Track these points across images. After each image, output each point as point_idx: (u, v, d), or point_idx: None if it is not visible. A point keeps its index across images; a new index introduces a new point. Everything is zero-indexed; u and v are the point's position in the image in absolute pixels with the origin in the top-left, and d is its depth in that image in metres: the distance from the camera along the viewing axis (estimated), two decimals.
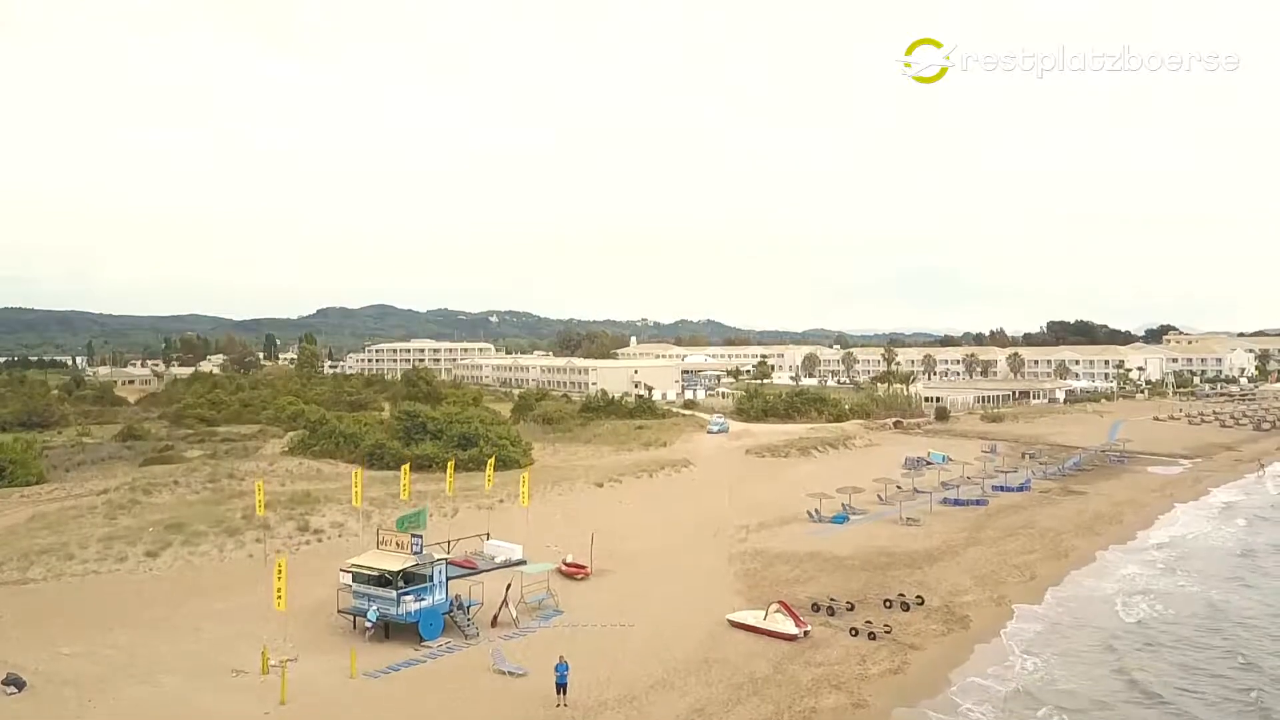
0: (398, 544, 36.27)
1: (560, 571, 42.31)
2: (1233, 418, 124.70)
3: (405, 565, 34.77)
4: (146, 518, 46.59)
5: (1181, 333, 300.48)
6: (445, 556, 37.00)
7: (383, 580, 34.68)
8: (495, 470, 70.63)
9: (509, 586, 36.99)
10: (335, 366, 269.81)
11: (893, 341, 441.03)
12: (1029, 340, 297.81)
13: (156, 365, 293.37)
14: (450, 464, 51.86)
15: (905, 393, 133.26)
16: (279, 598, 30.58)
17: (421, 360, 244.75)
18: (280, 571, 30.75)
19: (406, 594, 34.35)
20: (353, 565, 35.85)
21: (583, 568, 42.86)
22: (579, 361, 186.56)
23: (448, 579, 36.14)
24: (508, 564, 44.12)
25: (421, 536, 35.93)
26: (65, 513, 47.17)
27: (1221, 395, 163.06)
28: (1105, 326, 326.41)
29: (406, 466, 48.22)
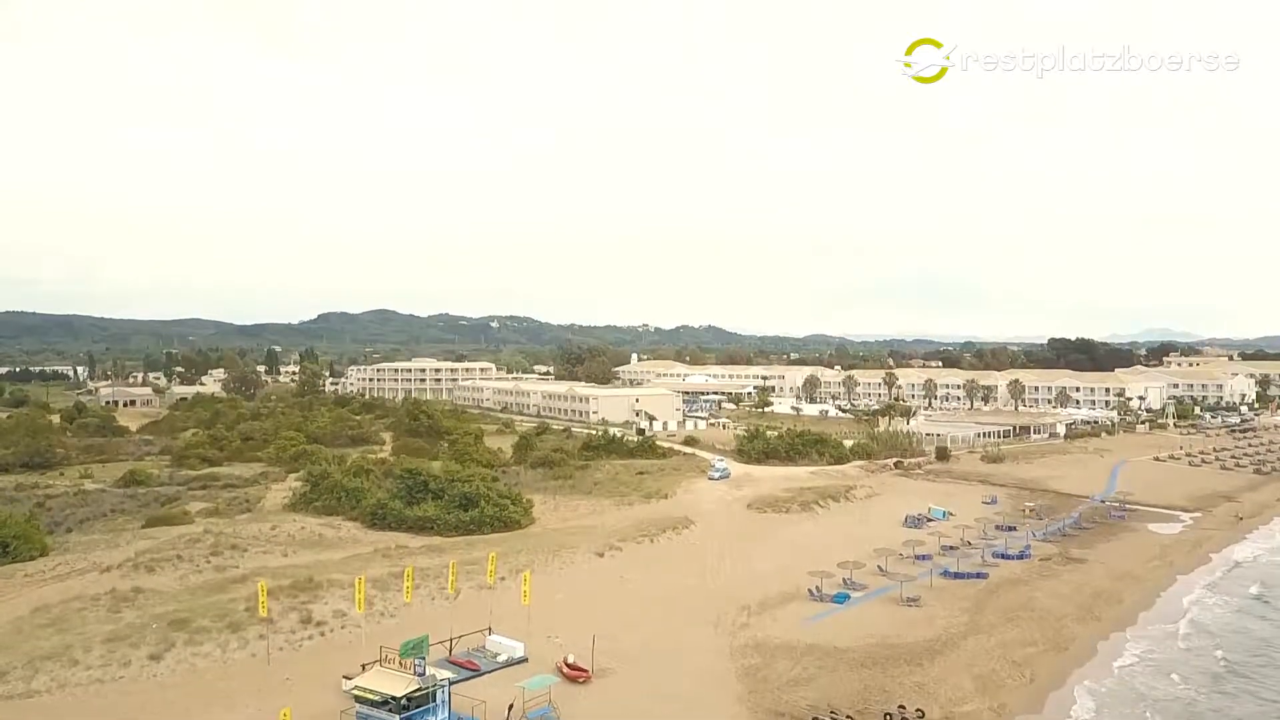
0: (401, 663, 36.48)
1: (562, 673, 42.38)
2: (1234, 458, 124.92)
3: (409, 689, 34.94)
4: (150, 610, 46.67)
5: (1183, 354, 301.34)
6: (448, 677, 37.21)
7: (386, 703, 34.87)
8: (496, 532, 71.99)
9: (511, 707, 37.06)
10: (336, 383, 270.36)
11: (894, 351, 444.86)
12: (1029, 358, 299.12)
13: (158, 379, 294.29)
14: (453, 564, 52.00)
15: (905, 429, 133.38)
16: None
17: (423, 380, 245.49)
18: None
19: (409, 718, 34.52)
20: (355, 688, 35.99)
21: (584, 671, 42.89)
22: (580, 389, 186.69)
23: (450, 691, 36.45)
24: (510, 662, 44.53)
25: (425, 659, 36.10)
26: (69, 605, 47.23)
27: (1223, 427, 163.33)
28: (1106, 344, 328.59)
29: (410, 569, 48.15)
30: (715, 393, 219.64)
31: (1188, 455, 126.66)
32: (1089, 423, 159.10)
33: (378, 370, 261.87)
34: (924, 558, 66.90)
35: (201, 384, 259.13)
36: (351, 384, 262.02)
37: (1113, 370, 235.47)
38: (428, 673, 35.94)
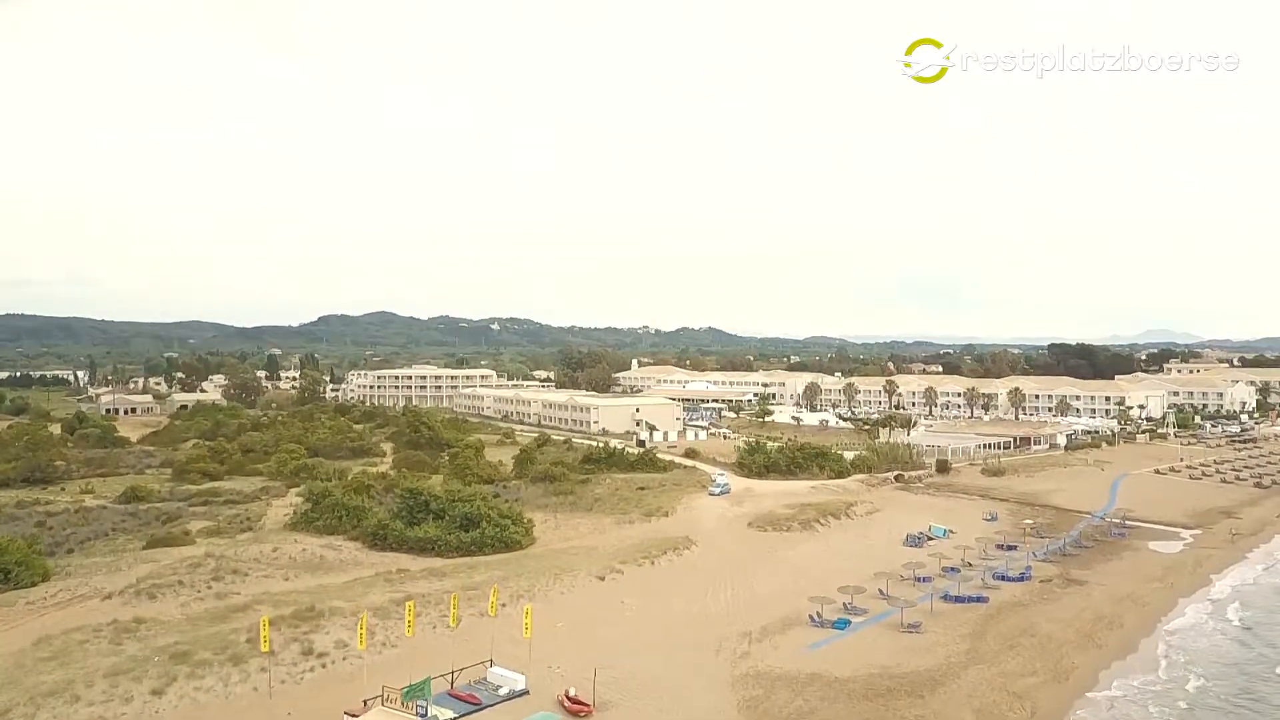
0: (404, 702, 36.56)
1: (563, 707, 42.42)
2: (1234, 470, 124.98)
3: None
4: (152, 642, 46.71)
5: (1183, 359, 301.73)
6: (450, 716, 37.29)
7: None
8: (497, 553, 72.09)
9: None
10: (337, 389, 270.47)
11: (894, 354, 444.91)
12: (1030, 364, 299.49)
13: (158, 384, 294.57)
14: (454, 597, 52.09)
15: (906, 441, 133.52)
16: None
17: (424, 387, 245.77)
18: None
19: None
20: None
21: (585, 705, 42.90)
22: (581, 399, 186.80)
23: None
24: (511, 695, 44.57)
25: (427, 700, 36.17)
26: (70, 636, 47.28)
27: (1224, 436, 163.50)
28: (1106, 349, 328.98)
29: (411, 604, 48.18)
30: (716, 400, 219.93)
31: (1188, 468, 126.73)
32: (1089, 433, 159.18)
33: (378, 377, 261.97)
34: (924, 579, 67.01)
35: (202, 390, 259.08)
36: (352, 390, 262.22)
37: (1113, 377, 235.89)
38: (429, 713, 36.00)
